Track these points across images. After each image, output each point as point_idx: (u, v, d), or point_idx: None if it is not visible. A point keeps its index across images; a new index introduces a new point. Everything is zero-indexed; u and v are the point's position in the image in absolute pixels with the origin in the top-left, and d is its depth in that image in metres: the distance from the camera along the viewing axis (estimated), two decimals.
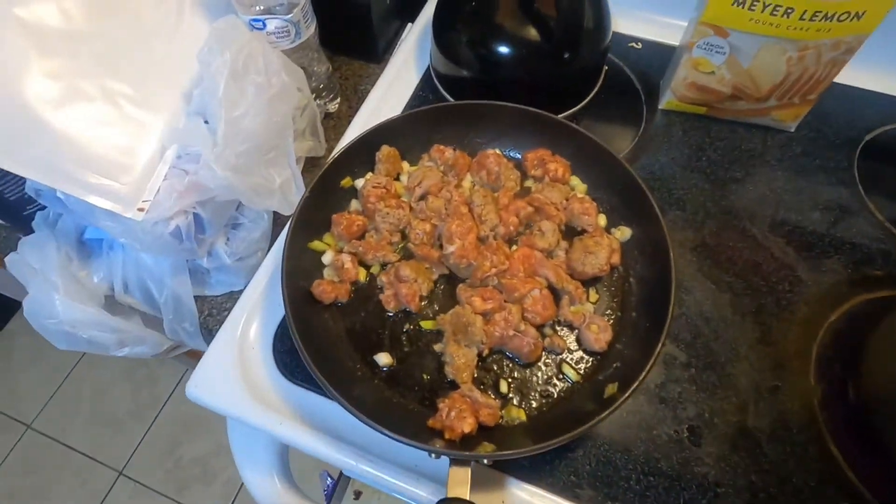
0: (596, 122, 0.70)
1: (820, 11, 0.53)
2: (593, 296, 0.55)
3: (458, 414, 0.45)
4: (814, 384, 0.51)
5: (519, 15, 0.62)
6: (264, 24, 0.56)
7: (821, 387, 0.51)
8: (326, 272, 0.55)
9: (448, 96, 0.70)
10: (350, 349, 0.52)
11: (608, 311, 0.54)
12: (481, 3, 0.65)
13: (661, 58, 0.72)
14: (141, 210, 0.50)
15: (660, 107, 0.70)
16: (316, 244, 0.56)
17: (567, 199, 0.58)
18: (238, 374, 0.52)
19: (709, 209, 0.62)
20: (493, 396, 0.49)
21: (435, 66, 0.72)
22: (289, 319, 0.47)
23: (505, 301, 0.52)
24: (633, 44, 0.77)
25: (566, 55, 0.61)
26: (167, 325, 0.57)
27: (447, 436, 0.45)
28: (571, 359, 0.51)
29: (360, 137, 0.60)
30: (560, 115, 0.68)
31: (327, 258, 0.55)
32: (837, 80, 0.70)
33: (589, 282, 0.55)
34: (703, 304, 0.56)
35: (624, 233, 0.57)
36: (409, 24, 0.80)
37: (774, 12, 0.54)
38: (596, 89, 0.70)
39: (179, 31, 0.56)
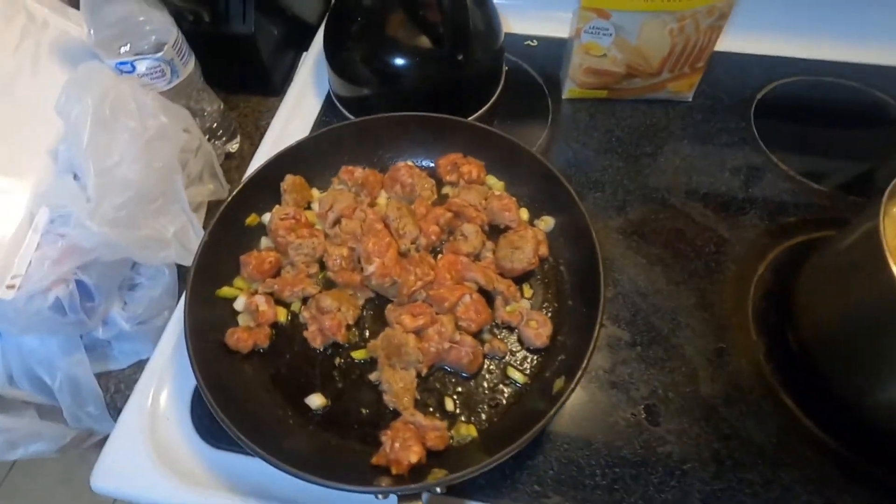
0: (505, 122, 0.70)
1: None
2: (528, 291, 0.53)
3: (403, 444, 0.41)
4: (756, 339, 0.51)
5: (407, 25, 0.62)
6: (133, 67, 0.53)
7: (763, 341, 0.51)
8: (241, 318, 0.50)
9: (352, 118, 0.68)
10: (278, 398, 0.47)
11: (545, 304, 0.52)
12: (368, 19, 0.64)
13: (556, 51, 0.73)
14: (11, 287, 0.44)
15: (563, 97, 0.71)
16: (225, 291, 0.51)
17: (486, 199, 0.57)
18: (152, 451, 0.45)
19: (627, 187, 0.62)
20: (439, 417, 0.45)
21: (334, 90, 0.70)
22: (197, 378, 0.42)
23: (437, 313, 0.49)
24: (529, 42, 0.78)
25: (460, 58, 0.60)
26: (67, 413, 0.50)
27: (394, 471, 0.41)
28: (515, 360, 0.49)
29: (260, 170, 0.56)
30: (478, 112, 0.68)
31: (240, 303, 0.51)
32: (722, 48, 0.74)
33: (521, 278, 0.53)
34: (637, 280, 0.55)
35: (548, 223, 0.56)
36: (304, 53, 0.78)
37: None
38: (499, 90, 0.70)
39: (36, 82, 0.51)
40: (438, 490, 0.41)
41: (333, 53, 0.66)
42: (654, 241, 0.58)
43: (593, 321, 0.45)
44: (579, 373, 0.42)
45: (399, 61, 0.61)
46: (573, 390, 0.42)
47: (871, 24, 0.73)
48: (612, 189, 0.62)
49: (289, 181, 0.56)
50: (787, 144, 0.66)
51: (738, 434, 0.46)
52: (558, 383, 0.45)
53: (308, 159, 0.59)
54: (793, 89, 0.71)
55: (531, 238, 0.53)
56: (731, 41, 0.75)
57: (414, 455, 0.41)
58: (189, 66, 0.57)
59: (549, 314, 0.51)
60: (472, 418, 0.46)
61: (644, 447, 0.46)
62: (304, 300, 0.52)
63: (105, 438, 0.47)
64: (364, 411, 0.46)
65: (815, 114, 0.69)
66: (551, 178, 0.54)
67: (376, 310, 0.52)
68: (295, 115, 0.70)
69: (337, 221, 0.55)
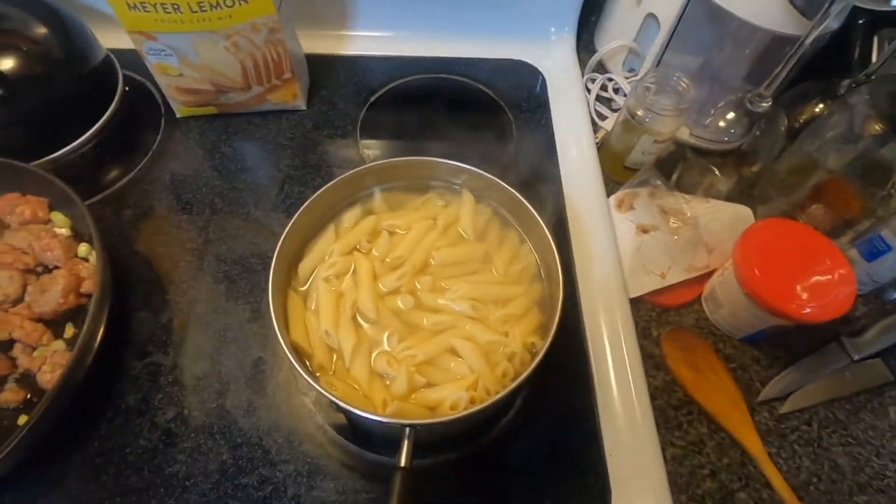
0: (113, 145, 0.67)
1: (204, 3, 0.55)
2: (69, 331, 0.53)
3: None
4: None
5: None
6: None
7: None
8: None
9: None
10: None
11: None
12: None
13: None
14: None
15: (178, 116, 0.70)
16: None
17: (38, 240, 0.55)
18: None
19: (216, 205, 0.63)
20: None
21: None
22: None
23: None
24: None
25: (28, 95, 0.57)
26: None
27: None
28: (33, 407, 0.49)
29: None
30: (73, 144, 0.65)
31: None
32: (349, 52, 0.77)
33: (70, 315, 0.53)
34: (198, 302, 0.56)
35: (94, 257, 0.56)
36: None
37: (167, 11, 0.56)
38: (109, 113, 0.68)
39: None
40: None
41: None
42: (227, 259, 0.59)
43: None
44: (37, 412, 0.43)
45: None
46: (27, 431, 0.42)
47: (482, 18, 0.78)
48: (200, 209, 0.63)
49: None
50: (387, 146, 0.70)
51: (249, 441, 0.49)
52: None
53: None
54: (403, 89, 0.75)
55: (62, 278, 0.52)
56: (358, 43, 0.78)
57: None
58: None
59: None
60: None
61: (153, 471, 0.47)
62: None
63: None
64: None
65: (421, 110, 0.74)
66: (85, 214, 0.54)
67: None
68: None
69: None
